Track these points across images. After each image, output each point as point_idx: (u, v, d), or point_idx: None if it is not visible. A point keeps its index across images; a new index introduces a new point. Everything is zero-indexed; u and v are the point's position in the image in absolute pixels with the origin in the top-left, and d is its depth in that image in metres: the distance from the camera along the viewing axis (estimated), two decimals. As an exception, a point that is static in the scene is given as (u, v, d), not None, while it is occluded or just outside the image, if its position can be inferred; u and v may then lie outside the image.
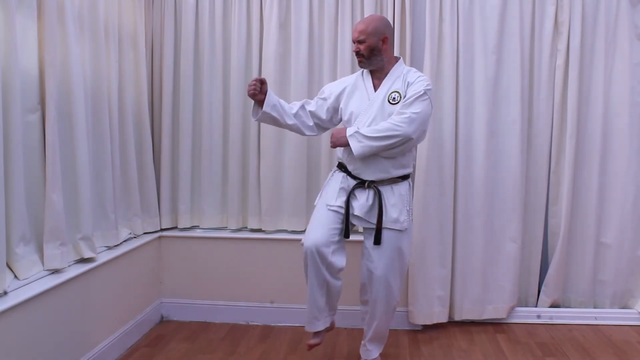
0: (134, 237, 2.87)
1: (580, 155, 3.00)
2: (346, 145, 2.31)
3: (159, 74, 3.08)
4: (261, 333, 2.92)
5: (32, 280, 2.05)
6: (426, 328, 2.95)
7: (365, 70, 2.46)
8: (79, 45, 2.30)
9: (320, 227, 2.35)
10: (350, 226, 2.40)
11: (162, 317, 3.09)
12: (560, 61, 2.96)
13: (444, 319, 2.96)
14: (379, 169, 2.35)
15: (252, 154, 3.06)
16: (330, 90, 2.51)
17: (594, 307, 3.07)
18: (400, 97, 2.34)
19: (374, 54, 2.37)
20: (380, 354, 2.53)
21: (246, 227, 3.13)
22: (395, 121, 2.26)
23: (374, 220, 2.34)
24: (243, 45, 3.03)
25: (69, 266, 2.27)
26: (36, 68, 2.11)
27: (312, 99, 2.57)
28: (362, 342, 2.53)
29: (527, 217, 3.03)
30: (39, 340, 2.01)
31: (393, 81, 2.39)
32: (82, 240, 2.35)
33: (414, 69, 2.46)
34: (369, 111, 2.35)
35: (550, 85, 2.98)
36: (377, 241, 2.33)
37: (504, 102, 2.92)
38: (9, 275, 1.96)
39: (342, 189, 2.40)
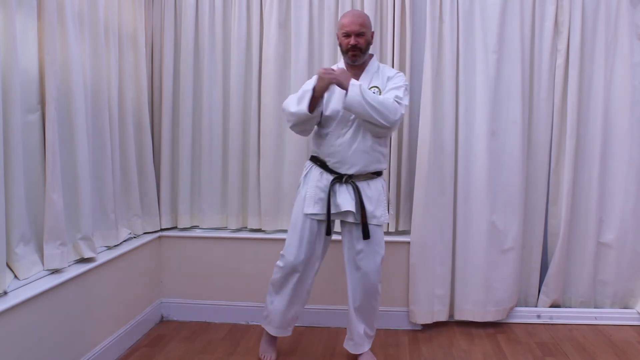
0: (134, 237, 2.87)
1: (580, 155, 3.00)
2: (342, 87, 2.23)
3: (159, 74, 3.08)
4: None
5: (32, 280, 2.05)
6: (426, 328, 2.95)
7: (339, 65, 2.45)
8: (79, 45, 2.30)
9: (302, 243, 2.40)
10: (332, 224, 2.45)
11: (162, 317, 3.09)
12: (560, 61, 2.95)
13: (443, 317, 2.96)
14: (358, 161, 2.35)
15: (252, 154, 3.06)
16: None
17: (594, 307, 3.07)
18: (380, 92, 2.37)
19: (367, 48, 2.40)
20: (380, 354, 2.53)
21: (246, 227, 3.13)
22: (392, 104, 2.26)
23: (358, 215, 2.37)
24: (243, 45, 3.03)
25: (69, 266, 2.26)
26: (36, 68, 2.11)
27: None
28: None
29: (527, 217, 3.02)
30: (39, 340, 2.01)
31: (371, 77, 2.41)
32: (82, 240, 2.35)
33: (385, 65, 2.51)
34: None
35: (550, 85, 2.98)
36: (366, 235, 2.36)
37: (504, 102, 2.91)
38: (9, 275, 1.96)
39: (318, 187, 2.40)
